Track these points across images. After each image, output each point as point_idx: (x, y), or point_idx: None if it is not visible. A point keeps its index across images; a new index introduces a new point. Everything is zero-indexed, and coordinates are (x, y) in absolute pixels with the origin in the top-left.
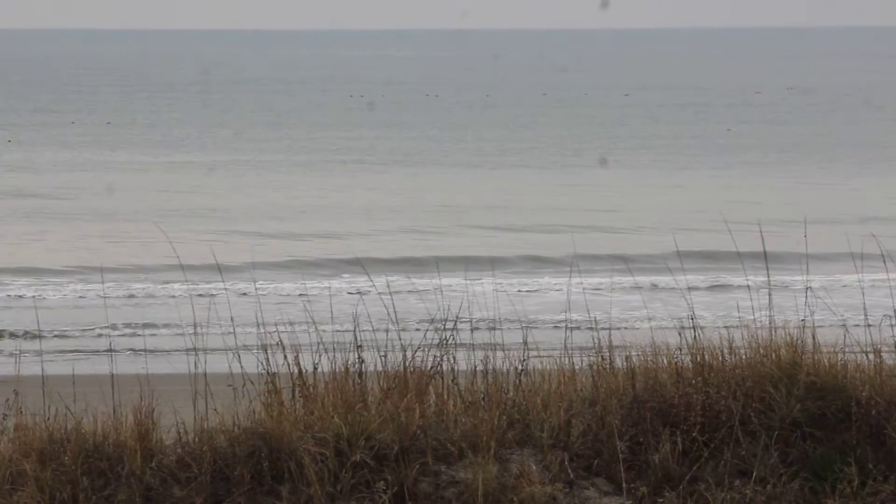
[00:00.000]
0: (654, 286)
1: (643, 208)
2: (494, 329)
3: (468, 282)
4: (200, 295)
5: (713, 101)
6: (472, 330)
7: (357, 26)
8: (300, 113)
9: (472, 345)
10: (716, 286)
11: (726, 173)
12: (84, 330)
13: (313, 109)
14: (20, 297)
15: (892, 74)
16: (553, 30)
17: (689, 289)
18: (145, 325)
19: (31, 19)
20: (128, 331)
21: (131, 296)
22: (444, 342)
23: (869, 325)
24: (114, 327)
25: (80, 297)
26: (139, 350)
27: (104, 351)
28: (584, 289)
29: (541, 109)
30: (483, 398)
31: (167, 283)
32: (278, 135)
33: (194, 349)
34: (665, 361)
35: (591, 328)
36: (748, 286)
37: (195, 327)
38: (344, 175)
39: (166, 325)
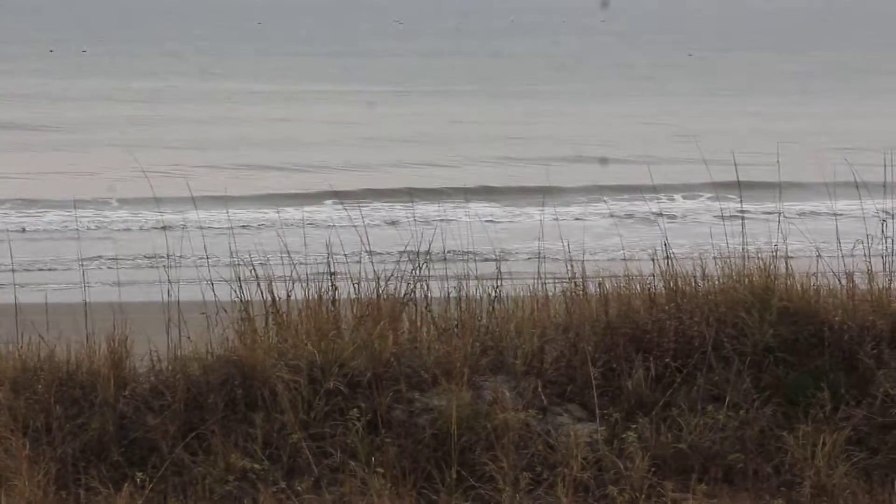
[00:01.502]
0: (630, 215)
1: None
2: (468, 258)
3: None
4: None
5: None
6: (445, 258)
7: None
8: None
9: (446, 273)
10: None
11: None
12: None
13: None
14: None
15: None
16: None
17: (662, 215)
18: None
19: None
20: (101, 262)
21: (104, 227)
22: (418, 268)
23: (842, 252)
24: (87, 260)
25: (56, 228)
26: (112, 283)
27: (76, 283)
28: (556, 216)
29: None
30: (456, 325)
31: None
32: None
33: (167, 275)
34: (638, 287)
35: (564, 258)
36: (721, 215)
37: (168, 256)
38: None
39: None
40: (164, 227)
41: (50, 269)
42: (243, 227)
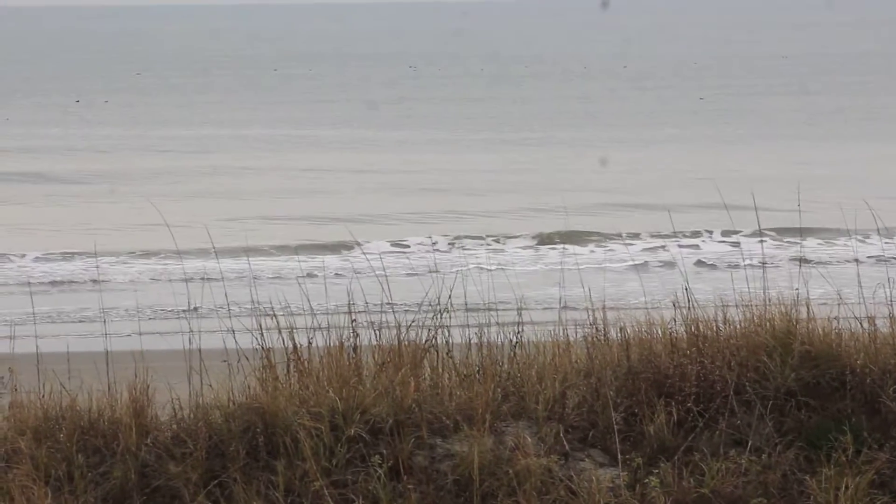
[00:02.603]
0: (648, 262)
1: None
2: (488, 306)
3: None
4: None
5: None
6: (465, 305)
7: None
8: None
9: (467, 318)
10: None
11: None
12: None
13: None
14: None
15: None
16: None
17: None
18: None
19: None
20: (124, 313)
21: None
22: (439, 315)
23: (863, 295)
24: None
25: (77, 278)
26: (133, 332)
27: (98, 332)
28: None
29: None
30: (478, 371)
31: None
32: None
33: (188, 323)
34: (660, 332)
35: (585, 305)
36: (741, 262)
37: (188, 304)
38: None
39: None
40: (185, 278)
41: (73, 321)
42: (275, 276)
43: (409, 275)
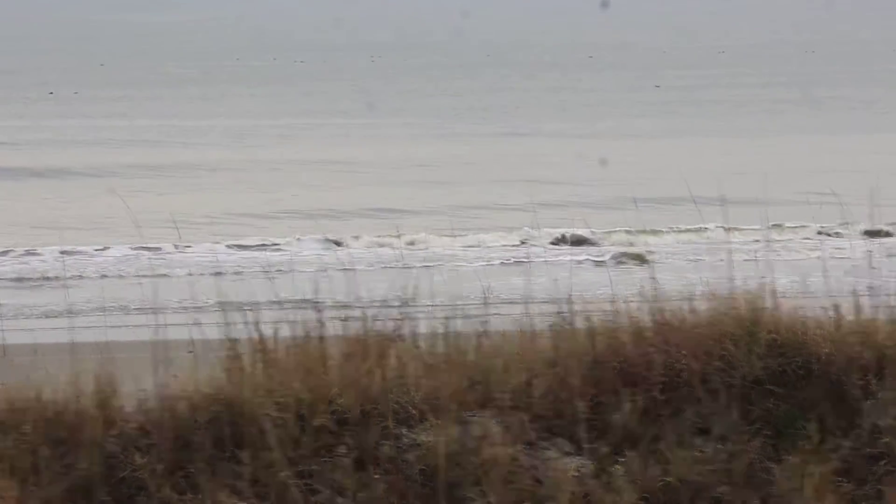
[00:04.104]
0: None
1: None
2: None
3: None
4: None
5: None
6: (432, 294)
7: None
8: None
9: (433, 307)
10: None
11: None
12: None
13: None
14: None
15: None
16: None
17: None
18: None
19: None
20: (90, 306)
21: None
22: (406, 304)
23: (829, 282)
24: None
25: (44, 272)
26: (99, 323)
27: (64, 325)
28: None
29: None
30: (444, 361)
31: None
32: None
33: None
34: (626, 320)
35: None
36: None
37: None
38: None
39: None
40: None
41: (39, 316)
42: (238, 270)
43: (384, 268)
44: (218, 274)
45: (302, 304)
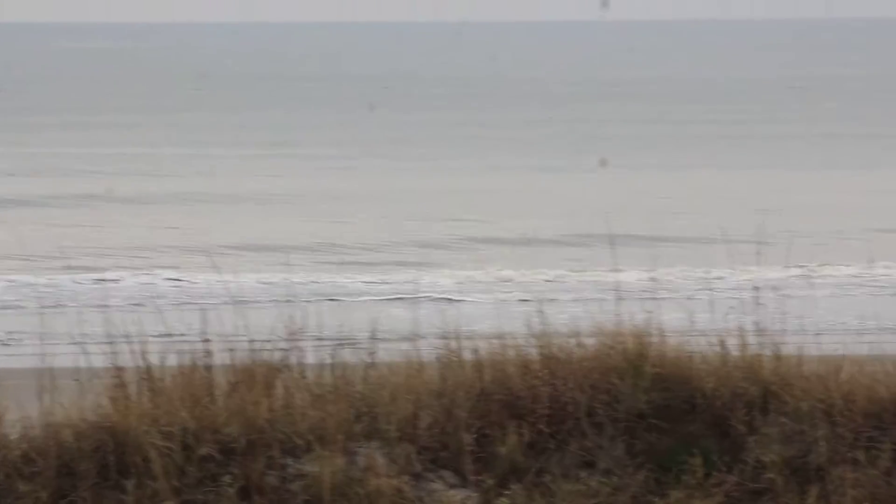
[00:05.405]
0: (509, 279)
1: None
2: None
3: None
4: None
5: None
6: (319, 325)
7: (360, 18)
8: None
9: (321, 338)
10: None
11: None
12: None
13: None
14: None
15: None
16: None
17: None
18: None
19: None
20: None
21: None
22: (293, 336)
23: (714, 318)
24: None
25: None
26: None
27: None
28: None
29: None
30: (331, 391)
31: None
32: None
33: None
34: (513, 353)
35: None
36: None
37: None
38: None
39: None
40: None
41: None
42: (129, 298)
43: (270, 301)
44: (104, 307)
45: (188, 335)
